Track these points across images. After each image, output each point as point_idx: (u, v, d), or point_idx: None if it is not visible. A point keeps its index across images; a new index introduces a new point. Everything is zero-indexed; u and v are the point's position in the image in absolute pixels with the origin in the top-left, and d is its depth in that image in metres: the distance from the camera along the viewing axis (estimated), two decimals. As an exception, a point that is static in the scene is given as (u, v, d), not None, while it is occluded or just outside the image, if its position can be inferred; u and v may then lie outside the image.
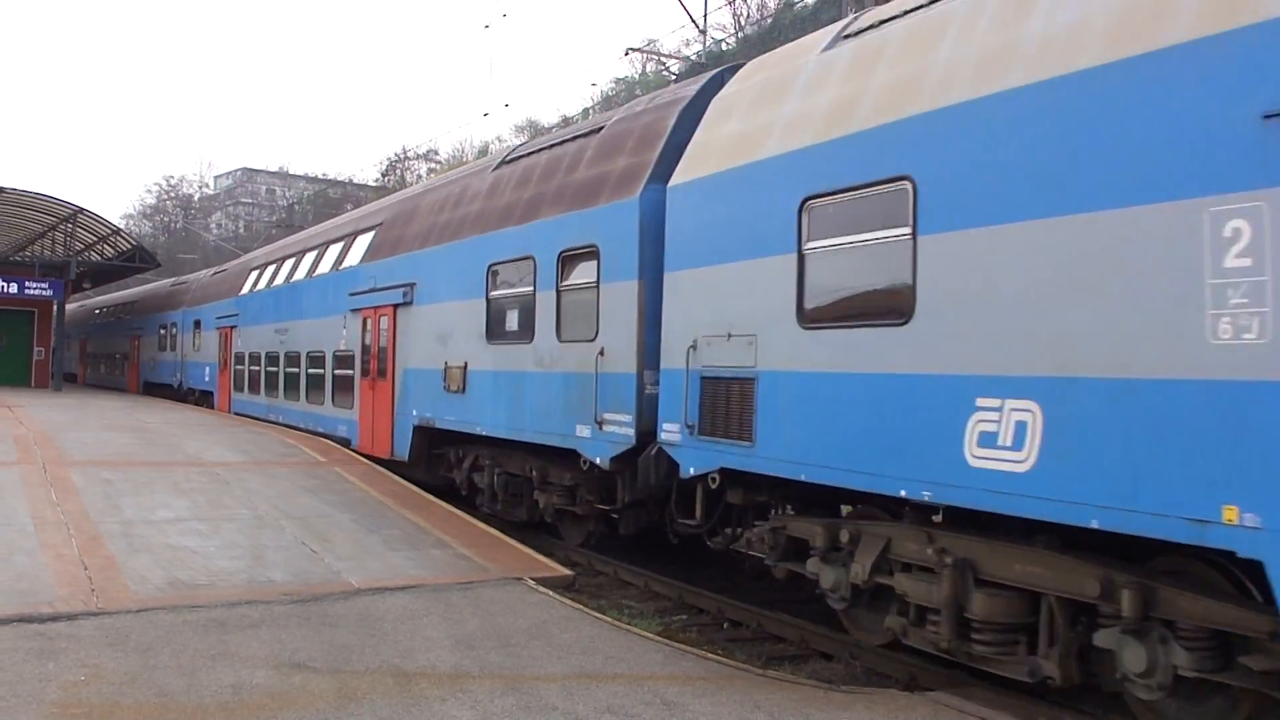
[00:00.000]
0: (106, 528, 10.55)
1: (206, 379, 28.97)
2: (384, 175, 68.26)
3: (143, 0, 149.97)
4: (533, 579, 9.63)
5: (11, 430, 17.92)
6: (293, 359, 20.85)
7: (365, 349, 16.84)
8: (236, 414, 25.02)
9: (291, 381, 20.98)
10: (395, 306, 15.58)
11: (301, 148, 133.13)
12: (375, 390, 16.29)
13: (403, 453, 15.27)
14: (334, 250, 19.72)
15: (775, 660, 8.43)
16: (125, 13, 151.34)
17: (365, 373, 16.81)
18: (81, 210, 33.60)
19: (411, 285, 15.08)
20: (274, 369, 22.19)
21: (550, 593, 9.22)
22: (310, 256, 21.27)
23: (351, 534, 11.14)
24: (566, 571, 10.29)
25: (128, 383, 40.52)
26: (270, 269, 24.37)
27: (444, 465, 14.93)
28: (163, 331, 35.12)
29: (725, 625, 9.67)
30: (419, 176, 62.26)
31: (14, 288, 33.47)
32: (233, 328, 25.77)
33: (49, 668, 6.45)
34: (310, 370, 19.74)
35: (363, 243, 18.16)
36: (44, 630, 7.23)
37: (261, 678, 6.45)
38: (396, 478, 14.81)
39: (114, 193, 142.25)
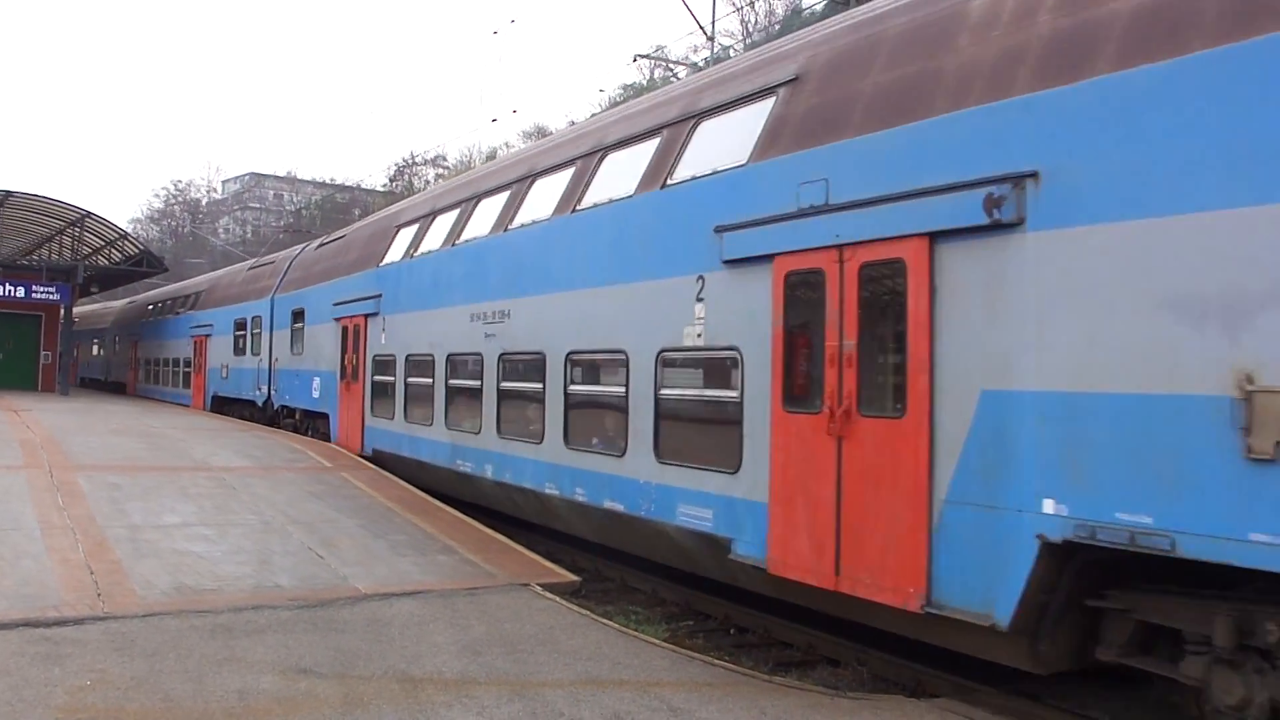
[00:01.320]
0: (113, 532, 10.55)
1: (315, 394, 20.16)
2: (392, 180, 68.48)
3: (151, 5, 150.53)
4: (539, 585, 9.62)
5: (18, 434, 17.96)
6: (520, 367, 11.99)
7: (790, 346, 7.93)
8: (378, 452, 16.46)
9: (516, 405, 12.15)
10: (931, 238, 6.75)
11: (309, 153, 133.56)
12: (852, 443, 7.24)
13: (979, 601, 6.29)
14: (627, 158, 10.65)
15: (782, 666, 8.40)
16: (134, 17, 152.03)
17: (796, 400, 7.79)
18: (89, 214, 33.73)
19: (1019, 181, 6.19)
20: (469, 383, 13.19)
21: (557, 598, 9.20)
22: (548, 183, 12.20)
23: (358, 539, 11.13)
24: (573, 577, 10.27)
25: (191, 395, 32.23)
26: (446, 218, 14.98)
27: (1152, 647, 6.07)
28: (239, 330, 26.69)
29: (732, 631, 9.64)
30: (427, 182, 62.42)
31: (21, 292, 33.61)
32: (368, 316, 16.97)
33: (55, 672, 6.44)
34: (578, 388, 10.92)
35: (738, 125, 9.04)
36: (50, 635, 7.23)
37: (268, 683, 6.44)
38: (403, 483, 14.77)
39: (122, 197, 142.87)
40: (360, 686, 6.44)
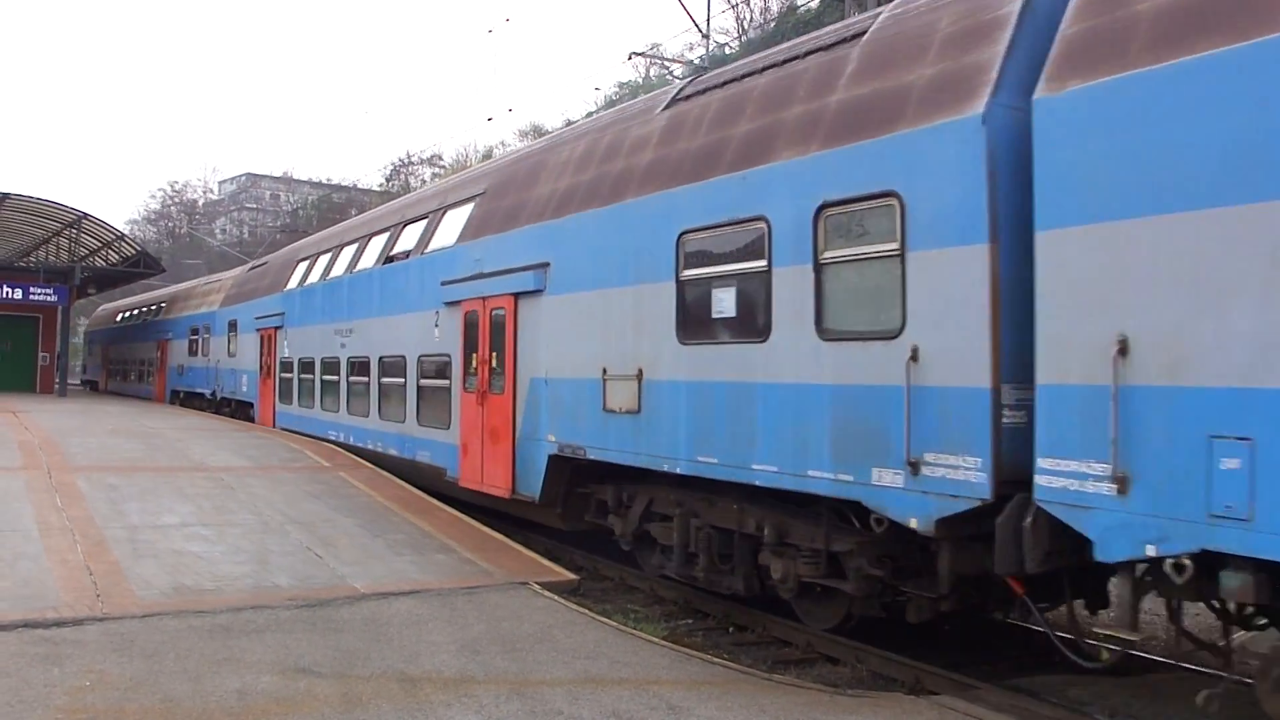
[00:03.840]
0: (111, 533, 10.56)
1: None
2: (388, 180, 68.42)
3: (147, 6, 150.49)
4: (538, 583, 9.63)
5: (17, 436, 17.95)
6: None
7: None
8: None
9: None
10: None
11: (306, 153, 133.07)
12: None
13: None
14: None
15: (781, 664, 8.41)
16: (130, 19, 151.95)
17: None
18: (85, 216, 33.72)
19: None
20: None
21: (555, 597, 9.21)
22: None
23: (356, 539, 11.13)
24: (571, 576, 10.28)
25: (482, 463, 12.55)
26: None
27: None
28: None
29: (731, 629, 9.64)
30: (423, 181, 62.38)
31: (19, 293, 33.59)
32: None
33: (54, 673, 6.45)
34: None
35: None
36: (49, 636, 7.24)
37: (267, 683, 6.44)
38: (401, 482, 14.80)
39: (118, 198, 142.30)
40: (359, 686, 6.45)
